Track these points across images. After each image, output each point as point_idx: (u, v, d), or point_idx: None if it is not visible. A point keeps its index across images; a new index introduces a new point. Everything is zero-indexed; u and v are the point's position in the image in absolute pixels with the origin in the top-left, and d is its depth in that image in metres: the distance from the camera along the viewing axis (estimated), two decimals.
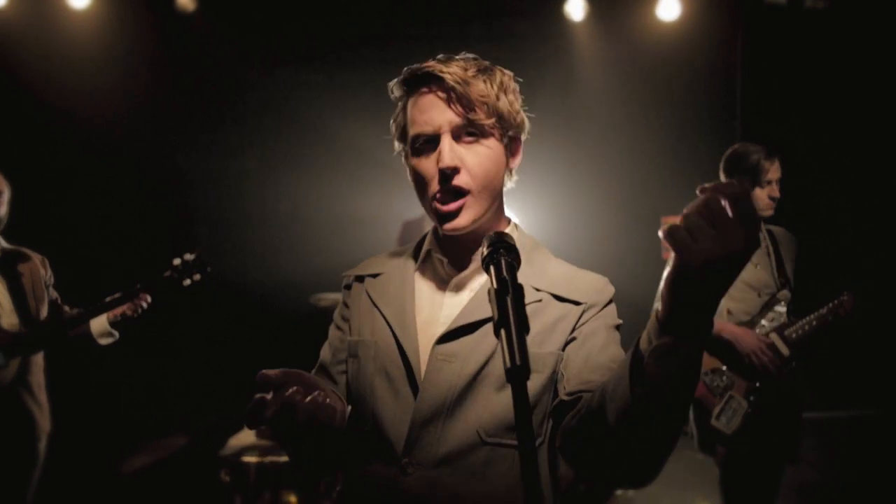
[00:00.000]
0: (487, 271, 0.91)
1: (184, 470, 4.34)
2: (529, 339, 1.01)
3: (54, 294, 2.75)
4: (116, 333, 2.66)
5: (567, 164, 5.96)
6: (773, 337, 2.63)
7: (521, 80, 1.26)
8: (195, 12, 5.50)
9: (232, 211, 6.21)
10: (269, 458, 3.01)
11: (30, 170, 5.47)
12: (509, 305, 0.82)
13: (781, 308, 2.69)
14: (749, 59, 5.98)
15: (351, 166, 5.74)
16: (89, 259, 5.17)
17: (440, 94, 1.16)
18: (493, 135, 1.18)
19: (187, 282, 2.67)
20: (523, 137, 1.27)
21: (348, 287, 1.35)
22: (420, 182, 1.20)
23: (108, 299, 2.57)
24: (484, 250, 0.94)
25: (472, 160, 1.16)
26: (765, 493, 2.70)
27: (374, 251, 1.44)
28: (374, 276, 1.31)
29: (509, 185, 1.30)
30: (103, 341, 2.65)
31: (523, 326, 0.81)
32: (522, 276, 1.07)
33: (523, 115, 1.25)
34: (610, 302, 1.19)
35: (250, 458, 3.00)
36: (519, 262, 0.93)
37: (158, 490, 4.03)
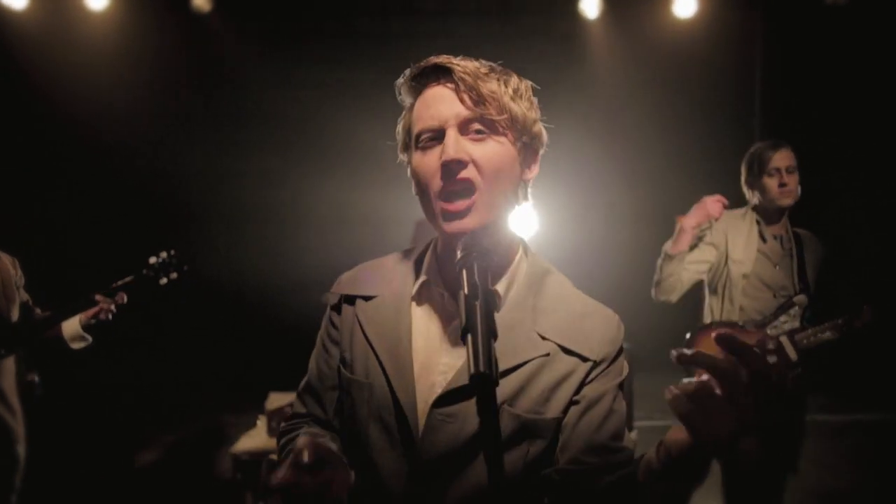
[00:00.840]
0: (459, 274, 0.89)
1: (196, 467, 4.36)
2: (532, 398, 1.02)
3: (25, 296, 2.64)
4: (89, 337, 2.58)
5: (582, 163, 5.92)
6: (783, 340, 2.59)
7: (538, 87, 1.14)
8: (211, 12, 5.53)
9: (252, 209, 6.25)
10: (280, 458, 3.01)
11: (47, 169, 5.56)
12: (477, 311, 0.81)
13: (796, 312, 2.64)
14: (768, 56, 5.90)
15: (370, 165, 5.73)
16: (105, 258, 5.21)
17: (448, 86, 1.06)
18: (504, 134, 1.06)
19: (164, 280, 2.63)
20: (541, 151, 1.14)
21: (336, 307, 1.21)
22: (421, 182, 1.07)
23: (80, 300, 2.50)
24: (458, 253, 0.92)
25: (480, 155, 1.03)
26: (767, 498, 2.66)
27: (394, 249, 1.29)
28: (366, 298, 1.16)
29: (523, 203, 1.14)
30: (75, 345, 2.58)
31: (491, 333, 0.80)
32: (530, 315, 1.06)
33: (541, 127, 1.13)
34: (619, 353, 1.10)
35: (262, 457, 3.01)
36: (493, 267, 0.91)
37: (170, 486, 4.05)
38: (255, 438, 3.22)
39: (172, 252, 2.65)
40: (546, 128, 1.14)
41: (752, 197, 2.75)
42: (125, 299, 2.57)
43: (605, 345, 1.07)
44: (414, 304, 1.14)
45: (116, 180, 5.82)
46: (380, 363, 1.09)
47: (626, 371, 1.11)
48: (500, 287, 1.09)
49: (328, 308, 1.23)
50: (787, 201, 2.67)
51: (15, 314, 2.56)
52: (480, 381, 0.77)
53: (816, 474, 4.10)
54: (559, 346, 1.05)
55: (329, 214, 6.17)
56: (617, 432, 1.04)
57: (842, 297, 2.68)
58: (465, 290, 0.85)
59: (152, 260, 2.63)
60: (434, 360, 1.08)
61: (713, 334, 0.75)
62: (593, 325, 1.09)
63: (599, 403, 1.05)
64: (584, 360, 1.05)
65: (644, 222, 5.62)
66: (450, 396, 1.03)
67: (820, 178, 5.32)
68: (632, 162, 5.96)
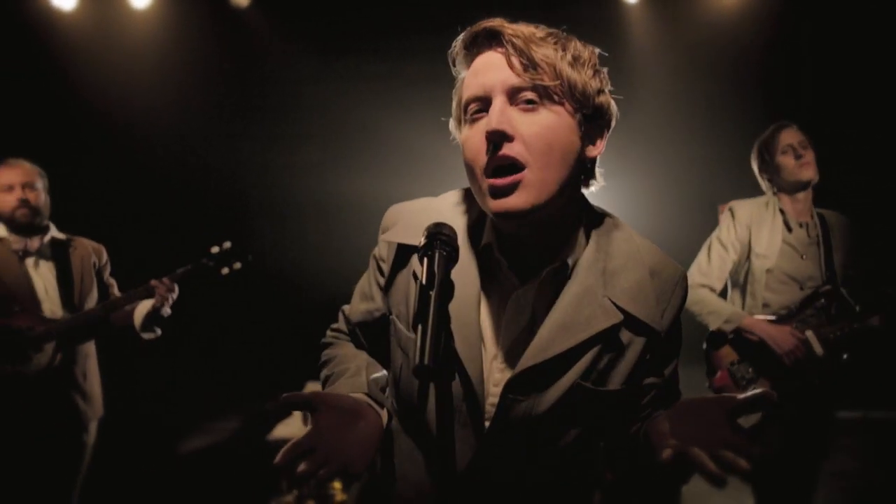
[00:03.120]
0: (421, 263, 0.88)
1: (234, 453, 4.46)
2: (602, 369, 1.02)
3: (111, 282, 2.79)
4: (158, 330, 2.66)
5: (623, 150, 5.81)
6: (809, 334, 2.49)
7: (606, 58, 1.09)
8: (249, 7, 5.62)
9: (294, 203, 6.33)
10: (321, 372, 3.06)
11: (95, 163, 5.74)
12: (431, 303, 0.81)
13: (823, 304, 2.53)
14: (815, 41, 5.67)
15: (415, 157, 5.73)
16: (149, 250, 5.36)
17: (498, 51, 0.98)
18: (560, 104, 0.97)
19: (225, 270, 2.68)
20: (610, 127, 1.08)
21: (383, 258, 1.13)
22: (468, 158, 0.98)
23: (138, 289, 2.60)
24: (422, 239, 0.91)
25: (528, 129, 0.94)
26: (798, 493, 2.58)
27: None
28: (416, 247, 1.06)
29: (592, 187, 1.09)
30: (145, 335, 2.67)
31: (441, 326, 0.80)
32: (601, 279, 1.02)
33: (609, 98, 1.06)
34: (682, 305, 1.09)
35: None
36: (457, 255, 0.90)
37: (210, 471, 4.16)
38: (291, 426, 3.28)
39: (234, 243, 2.71)
40: (616, 101, 1.06)
41: (770, 186, 2.65)
42: (175, 288, 2.62)
43: (670, 310, 1.06)
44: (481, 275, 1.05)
45: (164, 175, 5.98)
46: (450, 338, 1.01)
47: (681, 331, 1.13)
48: (569, 259, 1.04)
49: (377, 248, 1.16)
50: (808, 173, 2.55)
51: (91, 301, 2.69)
52: (424, 374, 0.77)
53: (857, 470, 3.97)
54: (629, 314, 1.02)
55: (373, 207, 6.21)
56: (674, 399, 1.09)
57: (874, 288, 2.57)
58: (423, 280, 0.85)
59: (214, 249, 2.68)
60: (497, 333, 1.04)
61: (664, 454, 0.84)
62: (662, 286, 1.06)
63: (671, 381, 1.10)
64: (652, 330, 1.03)
65: (682, 211, 5.50)
66: (523, 377, 0.99)
67: (867, 170, 5.13)
68: (674, 149, 5.83)
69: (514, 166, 0.94)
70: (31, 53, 5.32)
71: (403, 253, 1.09)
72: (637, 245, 1.09)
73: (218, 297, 4.59)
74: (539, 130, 0.95)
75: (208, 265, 2.67)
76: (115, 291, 2.81)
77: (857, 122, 5.16)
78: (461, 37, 1.03)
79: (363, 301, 1.21)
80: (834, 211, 2.66)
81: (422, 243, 0.91)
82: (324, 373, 1.21)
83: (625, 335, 1.02)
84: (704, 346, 2.69)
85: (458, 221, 1.08)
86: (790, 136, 2.57)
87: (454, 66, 1.06)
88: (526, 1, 6.09)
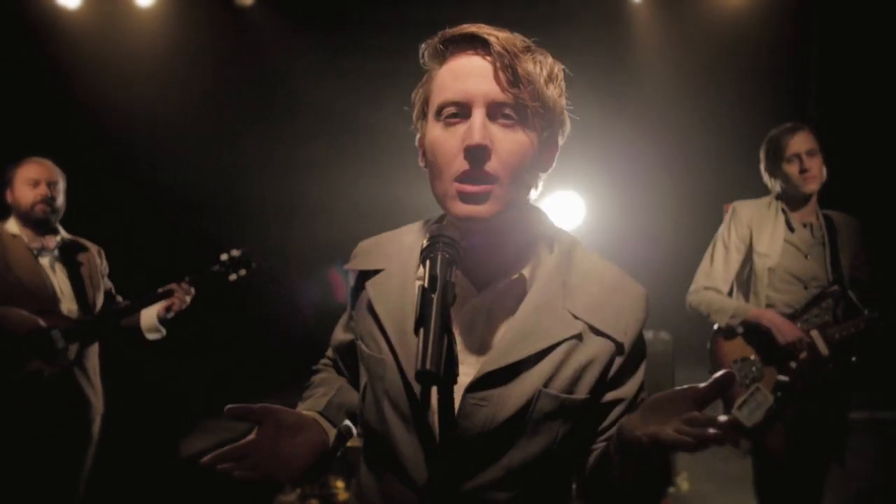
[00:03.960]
0: (423, 265, 0.87)
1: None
2: (565, 378, 1.02)
3: (109, 284, 2.88)
4: (164, 330, 2.77)
5: (628, 148, 5.80)
6: (815, 334, 2.48)
7: (571, 68, 1.06)
8: (253, 5, 5.62)
9: (300, 201, 6.33)
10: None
11: (95, 163, 5.75)
12: (433, 306, 0.80)
13: (829, 304, 2.51)
14: (826, 37, 5.64)
15: (417, 157, 5.72)
16: (154, 250, 5.37)
17: (483, 59, 0.97)
18: (532, 124, 0.99)
19: (233, 277, 2.79)
20: (561, 141, 1.09)
21: (354, 285, 1.19)
22: (438, 160, 0.99)
23: (159, 290, 2.69)
24: (424, 242, 0.90)
25: (504, 145, 0.96)
26: (803, 494, 2.56)
27: None
28: (376, 272, 1.13)
29: (534, 194, 1.08)
30: (151, 336, 2.76)
31: (444, 329, 0.79)
32: (561, 292, 1.04)
33: (566, 116, 1.07)
34: (644, 321, 1.09)
35: None
36: (459, 258, 0.89)
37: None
38: None
39: (241, 250, 2.81)
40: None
41: (774, 185, 2.63)
42: (193, 292, 2.75)
43: (633, 324, 1.06)
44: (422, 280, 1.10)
45: (166, 174, 5.98)
46: (387, 340, 1.07)
47: (645, 350, 1.12)
48: (525, 271, 1.06)
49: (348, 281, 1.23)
50: (812, 187, 2.53)
51: (100, 301, 2.78)
52: (426, 379, 0.76)
53: (868, 471, 3.94)
54: (590, 326, 1.04)
55: (378, 204, 6.21)
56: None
57: (878, 291, 2.55)
58: (425, 283, 0.83)
59: (223, 257, 2.79)
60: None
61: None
62: (623, 301, 1.07)
63: (635, 402, 1.08)
64: (614, 341, 1.04)
65: (690, 210, 5.47)
66: (484, 381, 1.00)
67: (881, 164, 5.09)
68: (680, 147, 5.80)
69: (487, 177, 0.97)
70: (36, 51, 5.33)
71: (363, 278, 1.15)
72: (596, 264, 1.11)
73: (223, 296, 4.60)
74: (514, 148, 0.97)
75: (220, 271, 2.78)
76: (114, 293, 2.88)
77: (864, 122, 5.12)
78: (440, 34, 1.02)
79: (341, 330, 1.29)
80: (842, 213, 2.63)
81: (424, 245, 0.90)
82: (303, 395, 1.28)
83: (588, 347, 1.03)
84: (708, 345, 2.69)
85: (409, 239, 1.14)
86: (799, 143, 2.52)
87: (422, 57, 1.05)
88: (534, 1, 6.09)
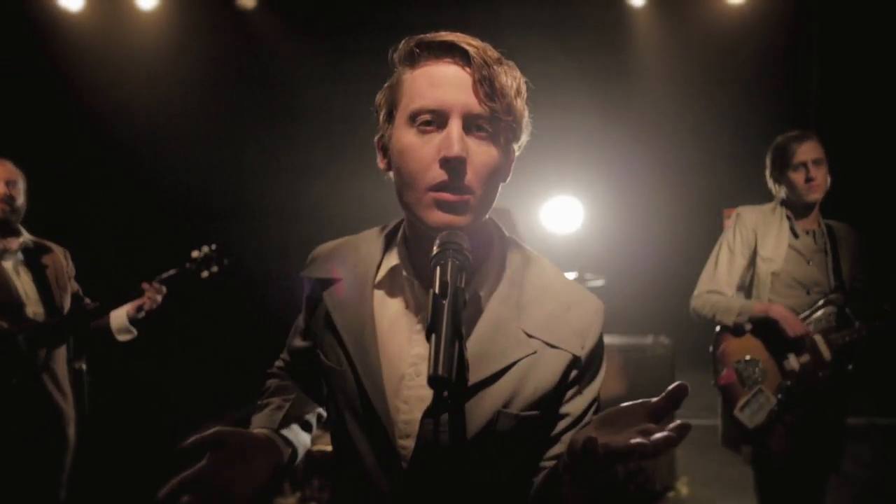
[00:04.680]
0: (433, 272, 0.87)
1: None
2: (524, 397, 1.01)
3: (75, 286, 2.78)
4: (135, 330, 2.68)
5: (627, 154, 5.81)
6: (818, 338, 2.49)
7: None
8: (255, 8, 5.64)
9: (300, 202, 6.34)
10: (318, 447, 3.06)
11: (97, 164, 5.76)
12: (444, 311, 0.80)
13: (832, 310, 2.53)
14: (826, 42, 5.66)
15: None
16: (154, 251, 5.37)
17: (462, 70, 0.97)
18: (503, 138, 1.00)
19: (205, 274, 2.72)
20: (518, 153, 1.08)
21: (309, 293, 1.17)
22: (410, 166, 0.98)
23: (127, 291, 2.61)
24: (435, 248, 0.90)
25: (479, 158, 0.97)
26: (804, 499, 2.56)
27: None
28: (333, 281, 1.12)
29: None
30: (121, 337, 2.68)
31: (456, 334, 0.79)
32: (515, 311, 1.03)
33: (528, 129, 1.07)
34: (600, 345, 1.07)
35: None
36: (469, 264, 0.89)
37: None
38: None
39: (214, 246, 2.74)
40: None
41: (779, 191, 2.64)
42: (164, 291, 2.66)
43: (589, 338, 1.05)
44: (381, 290, 1.09)
45: (167, 176, 6.00)
46: (345, 351, 1.06)
47: (604, 367, 1.10)
48: (482, 291, 1.05)
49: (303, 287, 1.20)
50: (816, 196, 2.54)
51: (67, 304, 2.70)
52: (439, 385, 0.76)
53: (867, 477, 3.95)
54: (546, 343, 1.03)
55: (378, 206, 6.22)
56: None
57: (873, 302, 2.56)
58: (436, 289, 0.83)
59: (195, 254, 2.73)
60: (403, 349, 1.05)
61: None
62: (577, 316, 1.06)
63: (583, 420, 1.05)
64: (570, 353, 1.03)
65: (689, 215, 5.49)
66: (442, 403, 0.99)
67: (880, 170, 5.11)
68: (678, 153, 5.82)
69: (462, 188, 0.97)
70: (38, 53, 5.35)
71: (321, 287, 1.13)
72: (551, 279, 1.10)
73: (214, 297, 4.59)
74: (487, 161, 0.98)
75: (191, 269, 2.72)
76: (81, 294, 2.80)
77: (864, 128, 5.14)
78: (416, 39, 1.02)
79: (298, 338, 1.25)
80: (843, 223, 2.65)
81: (434, 252, 0.90)
82: (259, 402, 1.26)
83: (546, 363, 1.02)
84: (711, 347, 2.69)
85: (367, 247, 1.13)
86: (807, 152, 2.53)
87: (393, 60, 1.05)
88: (534, 5, 6.12)
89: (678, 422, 0.74)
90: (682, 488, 3.70)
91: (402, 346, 1.05)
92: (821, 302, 2.53)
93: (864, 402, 4.57)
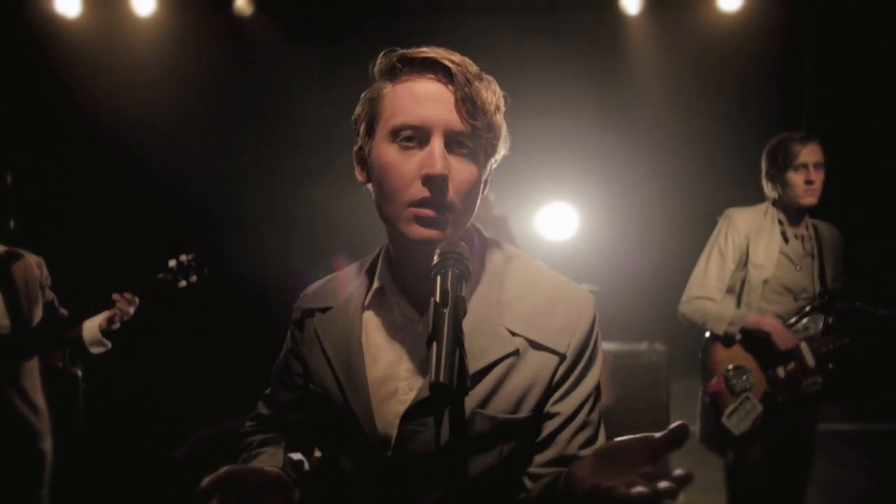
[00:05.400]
0: (434, 281, 0.88)
1: (225, 463, 4.41)
2: (505, 398, 1.00)
3: (50, 295, 2.68)
4: (108, 343, 2.60)
5: (622, 160, 5.83)
6: (802, 345, 2.50)
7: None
8: (253, 15, 5.66)
9: (296, 210, 6.34)
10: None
11: (93, 169, 5.76)
12: (445, 319, 0.81)
13: (818, 316, 2.54)
14: (818, 50, 5.70)
15: None
16: (142, 255, 5.36)
17: (445, 88, 0.98)
18: (484, 154, 1.02)
19: (183, 283, 2.64)
20: (494, 166, 1.09)
21: (298, 323, 1.19)
22: (392, 181, 0.99)
23: (97, 302, 2.53)
24: (435, 258, 0.91)
25: (459, 174, 0.98)
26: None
27: None
28: (324, 310, 1.14)
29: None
30: (94, 350, 2.60)
31: (457, 342, 0.81)
32: (496, 309, 1.03)
33: (504, 145, 1.07)
34: (592, 338, 1.05)
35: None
36: (469, 273, 0.91)
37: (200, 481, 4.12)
38: None
39: (192, 255, 2.66)
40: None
41: (773, 192, 2.62)
42: (136, 302, 2.57)
43: (577, 333, 1.03)
44: (369, 311, 1.10)
45: (161, 181, 5.99)
46: (334, 374, 1.07)
47: (598, 363, 1.07)
48: (462, 292, 1.05)
49: (291, 323, 1.22)
50: (811, 200, 2.54)
51: (38, 315, 2.58)
52: (440, 392, 0.77)
53: (865, 483, 3.95)
54: (530, 340, 1.02)
55: (373, 214, 6.22)
56: (587, 442, 1.03)
57: (847, 300, 2.59)
58: (436, 297, 0.85)
59: (171, 263, 2.64)
60: (394, 366, 1.05)
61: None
62: (563, 310, 1.04)
63: (575, 419, 1.03)
64: (556, 353, 1.02)
65: (683, 221, 5.51)
66: (419, 408, 1.00)
67: (871, 176, 5.14)
68: (673, 160, 5.84)
69: (443, 205, 0.98)
70: (35, 59, 5.35)
71: (310, 317, 1.16)
72: (535, 275, 1.09)
73: (203, 305, 4.59)
74: (468, 177, 0.99)
75: (166, 279, 2.63)
76: (56, 304, 2.69)
77: (857, 133, 5.17)
78: (394, 56, 1.02)
79: (283, 391, 1.23)
80: (828, 223, 2.66)
81: (434, 262, 0.91)
82: (242, 457, 1.23)
83: (529, 363, 1.01)
84: (700, 354, 2.69)
85: (354, 275, 1.16)
86: (809, 154, 2.52)
87: (374, 74, 1.05)
88: (528, 13, 6.14)
89: (680, 472, 0.73)
90: (679, 494, 3.70)
91: (393, 363, 1.06)
92: (807, 308, 2.55)
93: (859, 409, 4.60)
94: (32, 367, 2.59)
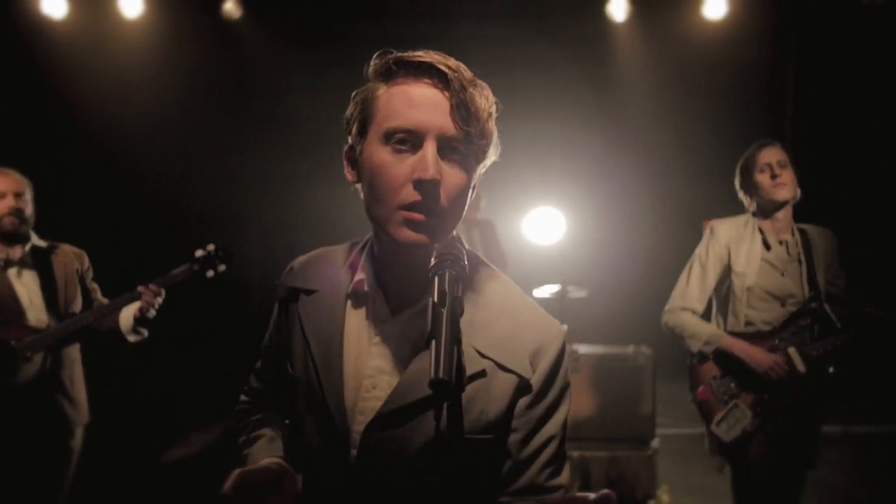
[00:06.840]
0: (432, 281, 0.89)
1: (221, 465, 4.41)
2: (470, 419, 1.00)
3: (93, 286, 2.76)
4: (145, 332, 2.63)
5: (609, 165, 5.88)
6: (792, 351, 2.50)
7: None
8: (241, 18, 5.65)
9: (285, 212, 6.33)
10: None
11: (84, 169, 5.73)
12: (443, 319, 0.83)
13: (806, 321, 2.56)
14: (801, 58, 5.79)
15: None
16: (138, 256, 5.34)
17: (440, 93, 0.98)
18: (475, 160, 1.02)
19: (210, 273, 2.65)
20: (482, 171, 1.09)
21: (283, 302, 1.18)
22: (383, 184, 0.99)
23: (126, 294, 2.56)
24: (433, 259, 0.92)
25: (450, 179, 0.99)
26: None
27: None
28: (308, 293, 1.13)
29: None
30: (131, 338, 2.63)
31: (454, 340, 0.83)
32: (468, 328, 0.99)
33: (494, 152, 1.07)
34: (559, 371, 1.05)
35: None
36: (466, 275, 0.92)
37: (199, 482, 4.11)
38: None
39: (218, 246, 2.67)
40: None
41: (750, 203, 2.68)
42: (162, 294, 2.59)
43: (544, 362, 1.03)
44: (350, 302, 1.09)
45: (150, 183, 5.97)
46: (312, 360, 1.07)
47: (568, 396, 1.07)
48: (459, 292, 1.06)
49: (276, 301, 1.21)
50: (784, 194, 2.56)
51: (76, 307, 2.67)
52: (439, 388, 0.79)
53: (849, 486, 4.00)
54: (497, 363, 1.01)
55: (362, 215, 6.23)
56: (554, 473, 1.05)
57: (852, 305, 2.61)
58: (434, 297, 0.86)
59: (199, 253, 2.65)
60: (363, 362, 1.06)
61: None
62: (533, 337, 1.04)
63: (546, 449, 1.04)
64: (520, 377, 1.02)
65: (670, 226, 5.56)
66: (385, 419, 1.00)
67: (854, 182, 5.22)
68: (659, 165, 5.90)
69: (432, 210, 0.98)
70: (22, 61, 5.31)
71: (295, 296, 1.15)
72: (513, 300, 1.09)
73: (205, 304, 4.58)
74: (459, 182, 1.00)
75: (193, 269, 2.64)
76: (99, 296, 2.77)
77: (839, 139, 5.25)
78: (389, 59, 1.01)
79: (265, 346, 1.26)
80: (819, 227, 2.68)
81: (432, 263, 0.92)
82: (241, 438, 1.25)
83: (495, 385, 1.01)
84: (688, 361, 2.72)
85: (342, 260, 1.15)
86: (769, 155, 2.59)
87: (368, 75, 1.04)
88: (516, 19, 6.17)
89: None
90: (664, 496, 3.72)
91: (361, 358, 1.06)
92: (795, 313, 2.56)
93: (840, 411, 4.65)
94: (73, 357, 2.66)
